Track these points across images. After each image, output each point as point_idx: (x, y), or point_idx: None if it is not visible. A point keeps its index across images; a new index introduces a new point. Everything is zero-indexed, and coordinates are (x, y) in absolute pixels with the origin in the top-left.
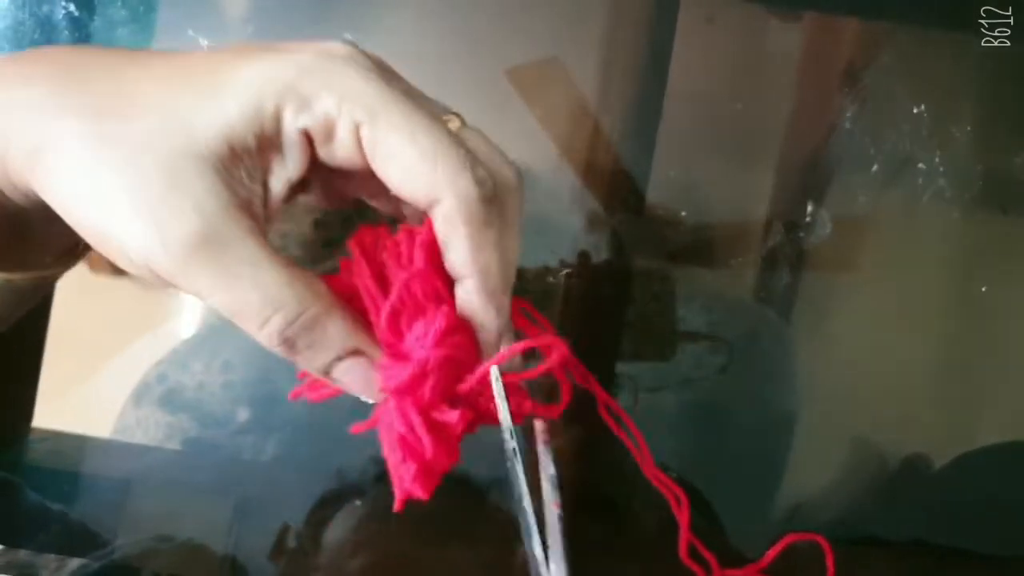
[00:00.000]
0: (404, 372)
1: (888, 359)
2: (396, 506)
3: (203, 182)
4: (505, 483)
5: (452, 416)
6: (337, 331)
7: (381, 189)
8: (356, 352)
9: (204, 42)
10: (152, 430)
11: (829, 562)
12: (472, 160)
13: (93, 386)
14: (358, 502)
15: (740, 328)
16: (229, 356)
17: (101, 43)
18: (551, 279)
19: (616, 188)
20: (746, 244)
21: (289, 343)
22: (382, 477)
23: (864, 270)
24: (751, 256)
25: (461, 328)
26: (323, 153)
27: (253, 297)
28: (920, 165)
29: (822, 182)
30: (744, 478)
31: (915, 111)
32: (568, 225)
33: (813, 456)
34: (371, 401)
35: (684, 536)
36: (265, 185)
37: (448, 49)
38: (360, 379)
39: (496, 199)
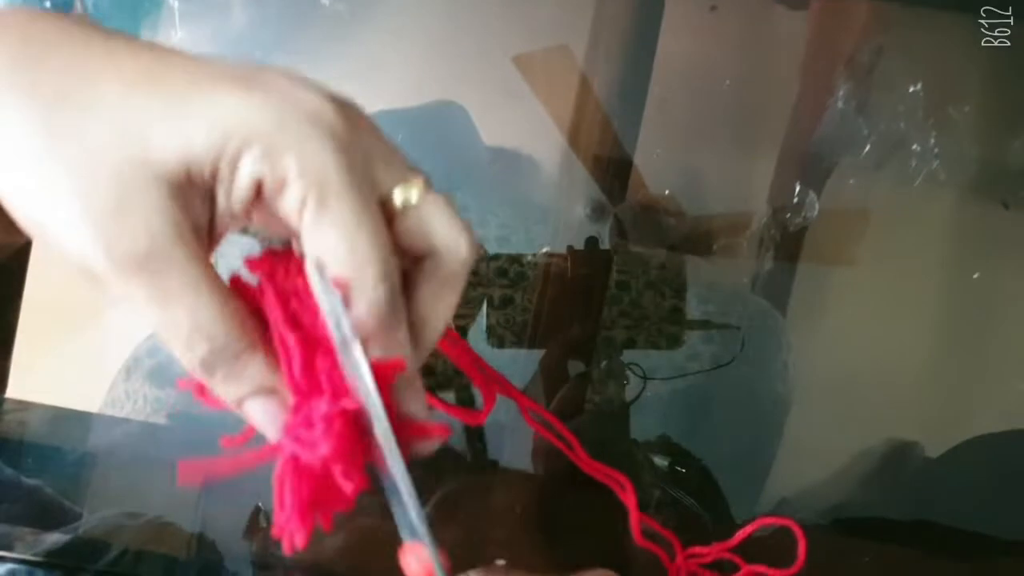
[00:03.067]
0: (309, 431)
1: (882, 347)
2: (285, 550)
3: (156, 201)
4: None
5: (347, 486)
6: (257, 369)
7: None
8: (270, 391)
9: (175, 2)
10: (140, 403)
11: (801, 548)
12: (394, 269)
13: (70, 358)
14: None
15: (734, 317)
16: None
17: None
18: (531, 259)
19: (619, 175)
20: (738, 229)
21: (209, 370)
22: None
23: (858, 259)
24: (742, 239)
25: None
26: (267, 199)
27: (185, 322)
28: (915, 147)
29: (811, 163)
30: (737, 465)
31: (911, 90)
32: (571, 212)
33: (806, 444)
34: (271, 438)
35: (635, 518)
36: (213, 213)
37: (456, 36)
38: (269, 420)
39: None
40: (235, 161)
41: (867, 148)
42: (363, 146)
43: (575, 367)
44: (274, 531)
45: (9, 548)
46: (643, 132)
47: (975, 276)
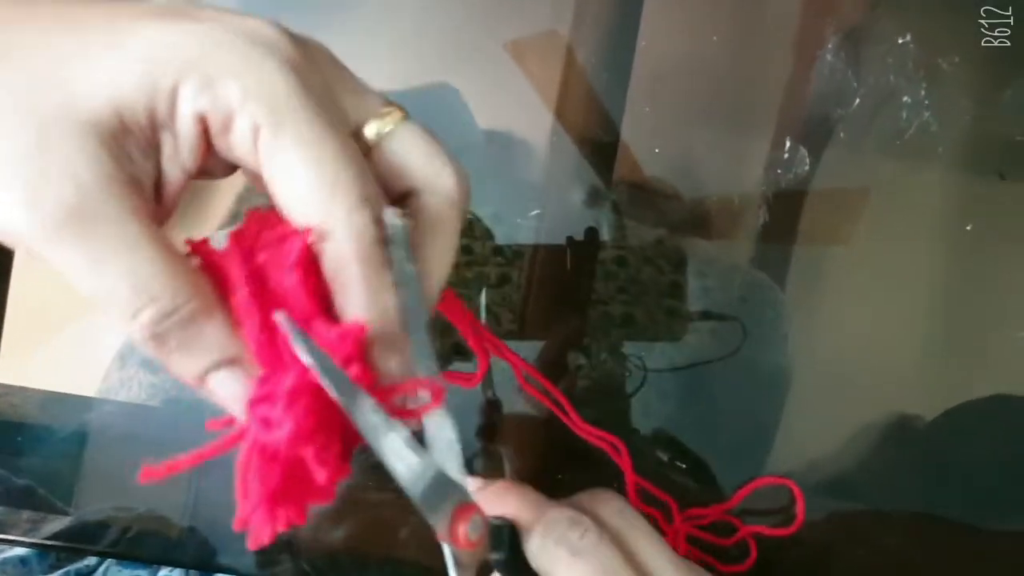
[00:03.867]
0: (271, 408)
1: (879, 324)
2: (249, 544)
3: (83, 150)
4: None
5: (320, 475)
6: (216, 334)
7: None
8: (234, 361)
9: None
10: (135, 390)
11: (800, 508)
12: (376, 195)
13: (62, 347)
14: None
15: (732, 292)
16: None
17: None
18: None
19: (612, 159)
20: (735, 209)
21: (160, 340)
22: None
23: (854, 235)
24: (735, 202)
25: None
26: (219, 144)
27: (123, 284)
28: (905, 98)
29: (801, 117)
30: (737, 441)
31: (900, 42)
32: (568, 198)
33: (808, 421)
34: (241, 418)
35: (630, 480)
36: (159, 168)
37: (449, 23)
38: (236, 393)
39: (386, 241)
40: (172, 99)
41: (857, 101)
42: (323, 73)
43: (575, 360)
44: (235, 524)
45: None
46: (636, 114)
47: (967, 228)
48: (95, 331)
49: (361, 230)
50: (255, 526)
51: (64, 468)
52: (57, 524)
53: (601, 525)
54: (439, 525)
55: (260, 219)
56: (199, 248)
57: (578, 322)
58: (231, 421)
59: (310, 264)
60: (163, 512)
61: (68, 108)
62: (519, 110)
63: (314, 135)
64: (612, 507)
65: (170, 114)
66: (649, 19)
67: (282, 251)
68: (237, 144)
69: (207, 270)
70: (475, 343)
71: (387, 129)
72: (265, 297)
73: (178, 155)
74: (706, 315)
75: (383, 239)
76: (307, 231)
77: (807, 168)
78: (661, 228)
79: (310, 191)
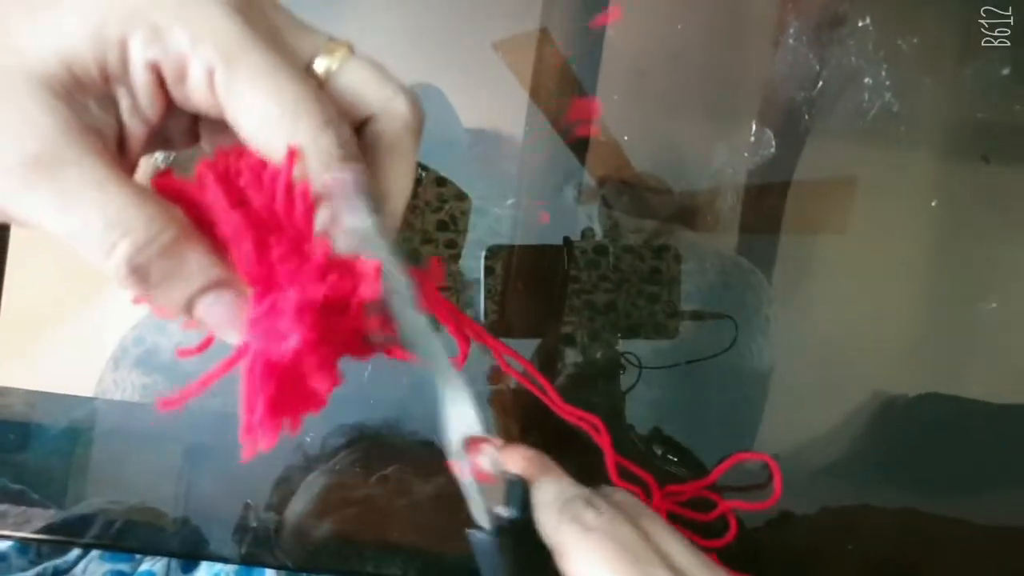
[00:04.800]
0: (277, 322)
1: (863, 310)
2: (246, 453)
3: (36, 100)
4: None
5: (320, 384)
6: (199, 259)
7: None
8: (221, 283)
9: None
10: (129, 391)
11: (777, 483)
12: (337, 117)
13: (55, 350)
14: (308, 437)
15: (714, 278)
16: None
17: None
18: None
19: (604, 156)
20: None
21: (141, 273)
22: (350, 443)
23: (839, 224)
24: (703, 182)
25: (339, 268)
26: (176, 94)
27: (96, 219)
28: (867, 80)
29: (766, 99)
30: (721, 424)
31: (860, 24)
32: (560, 195)
33: (790, 407)
34: (233, 341)
35: (610, 458)
36: (120, 121)
37: (437, 23)
38: (228, 315)
39: (356, 156)
40: (122, 51)
41: (820, 84)
42: (267, 15)
43: (570, 358)
44: (240, 434)
45: None
46: (624, 109)
47: (932, 204)
48: (88, 332)
49: (328, 150)
50: (260, 434)
51: (56, 466)
52: (43, 518)
53: (615, 507)
54: (457, 451)
55: (229, 152)
56: (165, 183)
57: (560, 316)
58: (207, 345)
59: (291, 189)
60: (153, 504)
61: (18, 66)
62: (503, 109)
63: (268, 67)
64: (623, 493)
65: (122, 66)
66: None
67: (262, 177)
68: (193, 90)
69: (178, 202)
70: (454, 329)
71: (336, 64)
72: (251, 219)
73: (137, 108)
74: (697, 315)
75: (352, 156)
76: (291, 153)
77: (773, 150)
78: (640, 218)
79: (273, 120)
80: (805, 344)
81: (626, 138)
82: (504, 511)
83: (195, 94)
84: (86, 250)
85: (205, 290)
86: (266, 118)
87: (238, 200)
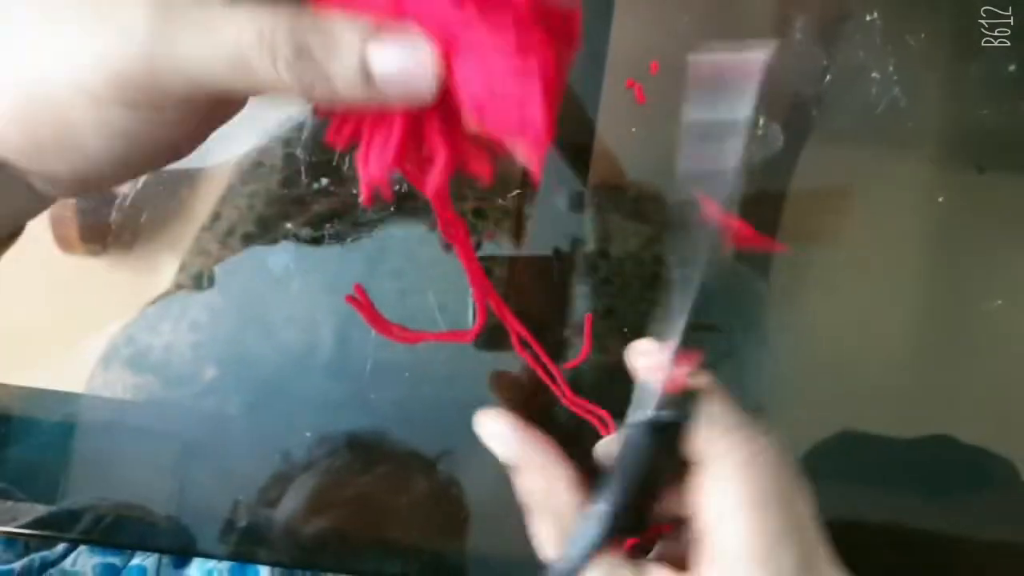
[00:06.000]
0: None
1: (862, 328)
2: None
3: None
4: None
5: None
6: (343, 16)
7: None
8: (380, 27)
9: None
10: (119, 391)
11: None
12: None
13: (47, 350)
14: (308, 433)
15: (714, 288)
16: (196, 315)
17: None
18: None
19: (598, 163)
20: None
21: (305, 55)
22: (348, 441)
23: (834, 235)
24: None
25: None
26: None
27: (246, 34)
28: (874, 75)
29: (773, 94)
30: None
31: (868, 19)
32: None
33: (789, 415)
34: (428, 89)
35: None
36: None
37: None
38: (410, 56)
39: None
40: None
41: (827, 78)
42: None
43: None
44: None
45: None
46: (619, 118)
47: (940, 199)
48: (80, 333)
49: None
50: (379, 168)
51: (44, 463)
52: (30, 514)
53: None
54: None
55: None
56: None
57: (553, 326)
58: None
59: None
60: (145, 501)
61: None
62: None
63: None
64: None
65: None
66: (621, 8)
67: None
68: None
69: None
70: (479, 296)
71: None
72: None
73: None
74: (694, 324)
75: None
76: None
77: (780, 143)
78: (640, 224)
79: None
80: (804, 352)
81: (633, 129)
82: (668, 414)
83: None
84: (253, 66)
85: (371, 35)
86: None
87: None
